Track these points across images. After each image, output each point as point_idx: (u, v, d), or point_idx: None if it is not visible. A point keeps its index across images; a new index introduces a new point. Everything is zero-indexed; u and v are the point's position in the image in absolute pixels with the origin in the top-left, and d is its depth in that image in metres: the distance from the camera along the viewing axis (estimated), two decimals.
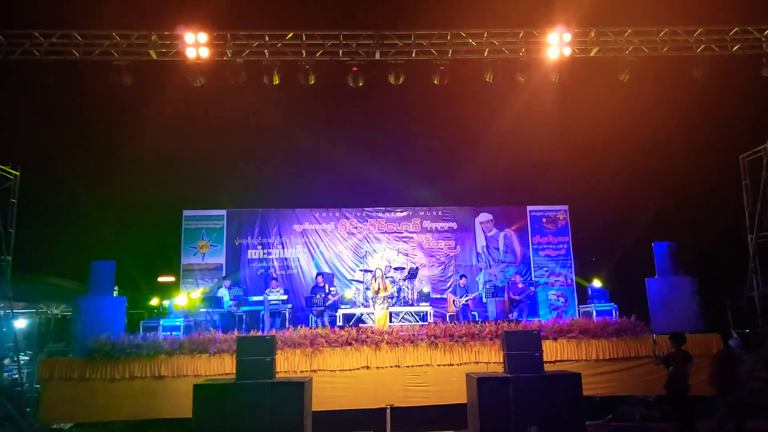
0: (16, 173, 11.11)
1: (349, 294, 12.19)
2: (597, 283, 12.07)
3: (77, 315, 9.89)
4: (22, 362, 10.80)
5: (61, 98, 11.55)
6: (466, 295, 12.15)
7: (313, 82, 10.86)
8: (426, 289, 12.48)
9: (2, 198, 10.56)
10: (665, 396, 8.35)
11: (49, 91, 10.99)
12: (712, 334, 9.41)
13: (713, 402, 9.01)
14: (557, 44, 10.75)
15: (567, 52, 10.81)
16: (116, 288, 10.56)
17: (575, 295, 13.53)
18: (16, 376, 10.61)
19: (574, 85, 11.28)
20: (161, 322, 10.49)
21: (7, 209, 10.82)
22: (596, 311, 11.18)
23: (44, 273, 13.11)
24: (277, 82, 10.80)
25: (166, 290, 12.62)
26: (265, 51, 10.83)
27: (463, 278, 12.58)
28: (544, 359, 8.15)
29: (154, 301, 12.45)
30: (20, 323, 12.00)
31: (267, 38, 10.75)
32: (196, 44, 10.56)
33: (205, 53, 10.62)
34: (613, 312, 11.17)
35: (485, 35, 10.86)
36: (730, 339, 10.19)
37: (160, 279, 12.98)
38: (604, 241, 13.26)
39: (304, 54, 10.87)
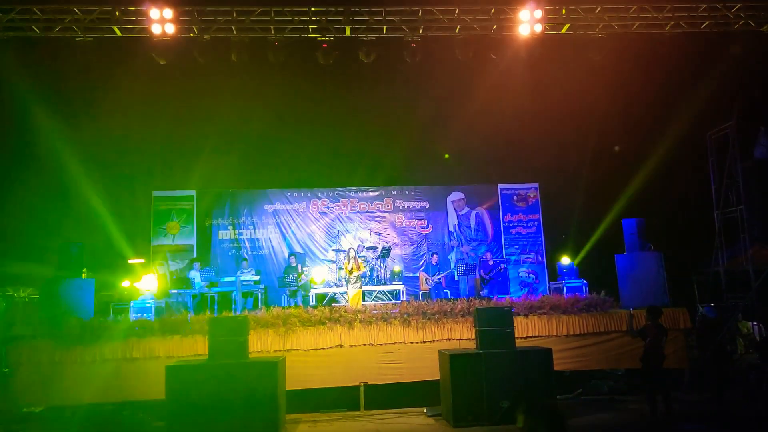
0: None
1: (318, 278, 12.12)
2: (566, 260, 12.25)
3: (45, 298, 9.72)
4: None
5: (21, 76, 11.14)
6: (439, 273, 12.25)
7: (282, 59, 10.68)
8: (397, 269, 12.52)
9: None
10: (636, 369, 8.60)
11: (9, 69, 10.60)
12: (679, 309, 9.64)
13: (680, 374, 9.38)
14: (528, 21, 10.72)
15: (538, 29, 10.79)
16: (85, 270, 10.36)
17: (546, 271, 13.74)
18: None
19: (545, 62, 11.29)
20: (132, 304, 10.36)
21: None
22: (566, 288, 11.37)
23: (11, 256, 12.78)
24: (245, 59, 10.59)
25: (136, 272, 12.42)
26: (233, 27, 10.59)
27: (435, 255, 12.67)
28: (516, 335, 8.31)
29: (126, 284, 12.23)
30: None
31: (234, 14, 10.50)
32: (161, 20, 10.26)
33: (170, 29, 10.34)
34: (583, 288, 11.38)
35: (456, 12, 10.77)
36: (705, 308, 10.55)
37: (131, 261, 12.76)
38: (574, 218, 13.43)
39: (273, 30, 10.66)
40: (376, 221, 13.96)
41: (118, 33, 10.50)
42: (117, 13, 10.34)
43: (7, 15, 10.12)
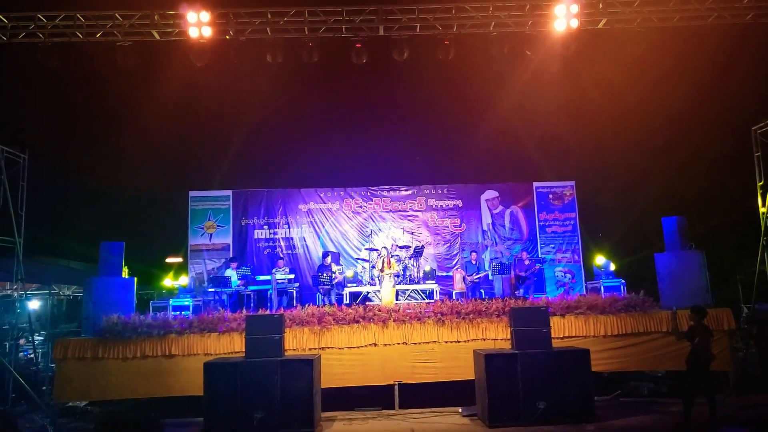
0: (24, 156, 11.16)
1: (350, 273, 12.22)
2: (601, 259, 11.95)
3: (88, 296, 10.01)
4: (37, 342, 10.98)
5: (66, 80, 11.53)
6: (477, 273, 12.14)
7: (316, 59, 10.76)
8: (428, 268, 12.43)
9: (12, 181, 10.62)
10: (676, 371, 8.34)
11: (55, 73, 10.97)
12: (722, 309, 9.34)
13: (723, 376, 9.08)
14: (564, 16, 10.54)
15: (574, 24, 10.59)
16: (126, 268, 10.65)
17: (582, 271, 13.49)
18: (32, 355, 10.81)
19: (581, 58, 11.10)
20: (171, 301, 10.60)
21: (17, 192, 10.89)
22: (604, 287, 11.14)
23: (55, 255, 13.24)
24: (280, 60, 10.71)
25: (174, 270, 12.73)
26: (268, 29, 10.72)
27: (474, 254, 12.56)
28: (552, 336, 8.19)
29: (168, 282, 12.54)
30: (33, 304, 12.16)
31: (269, 15, 10.64)
32: (198, 23, 10.47)
33: (207, 32, 10.54)
34: (621, 288, 11.13)
35: (490, 9, 10.66)
36: (758, 304, 10.20)
37: (168, 260, 13.08)
38: (611, 217, 13.17)
39: (307, 31, 10.75)
40: (409, 220, 13.95)
41: (157, 37, 10.74)
42: (156, 18, 10.59)
43: (53, 21, 10.48)
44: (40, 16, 10.42)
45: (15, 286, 10.66)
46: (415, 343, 9.03)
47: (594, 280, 12.01)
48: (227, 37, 10.75)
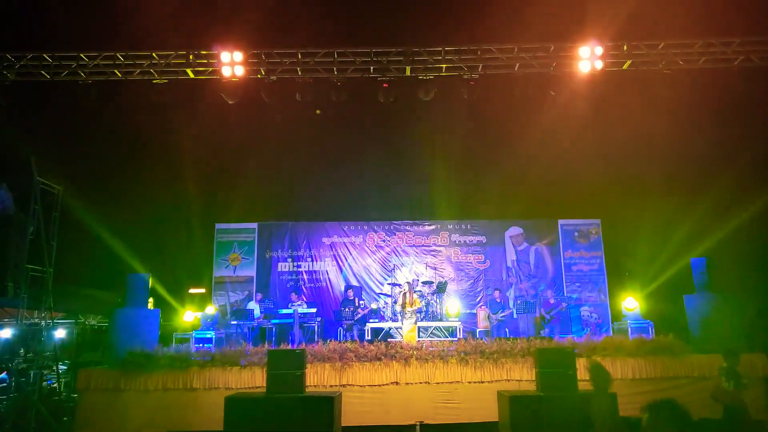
0: (59, 188, 11.50)
1: (374, 305, 12.15)
2: (630, 303, 11.67)
3: (113, 326, 10.11)
4: (60, 371, 11.08)
5: (100, 114, 11.90)
6: (502, 311, 11.98)
7: (344, 98, 11.01)
8: (456, 313, 12.23)
9: (45, 211, 10.92)
10: (713, 419, 8.04)
11: (91, 108, 11.37)
12: (756, 354, 9.06)
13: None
14: (588, 58, 10.67)
15: (599, 65, 10.72)
16: (151, 300, 10.76)
17: (609, 311, 13.22)
18: (55, 385, 10.89)
19: (606, 98, 11.14)
20: (193, 334, 10.64)
21: (50, 222, 11.18)
22: (631, 328, 10.89)
23: (82, 284, 13.43)
24: (309, 99, 10.98)
25: (197, 302, 12.79)
26: (298, 69, 11.04)
27: (497, 291, 12.42)
28: (578, 378, 7.99)
29: (189, 317, 12.50)
30: (59, 333, 12.31)
31: (300, 56, 10.98)
32: (231, 63, 10.85)
33: (240, 71, 10.89)
34: (649, 329, 10.87)
35: (515, 50, 10.85)
36: None
37: (192, 291, 13.17)
38: (639, 256, 12.93)
39: (336, 71, 11.05)
40: (432, 255, 13.89)
41: (191, 75, 11.11)
42: (191, 57, 10.99)
43: (94, 61, 10.94)
44: (82, 55, 10.89)
45: (43, 315, 10.85)
46: (437, 383, 8.88)
47: (621, 321, 11.76)
48: (258, 76, 11.08)
